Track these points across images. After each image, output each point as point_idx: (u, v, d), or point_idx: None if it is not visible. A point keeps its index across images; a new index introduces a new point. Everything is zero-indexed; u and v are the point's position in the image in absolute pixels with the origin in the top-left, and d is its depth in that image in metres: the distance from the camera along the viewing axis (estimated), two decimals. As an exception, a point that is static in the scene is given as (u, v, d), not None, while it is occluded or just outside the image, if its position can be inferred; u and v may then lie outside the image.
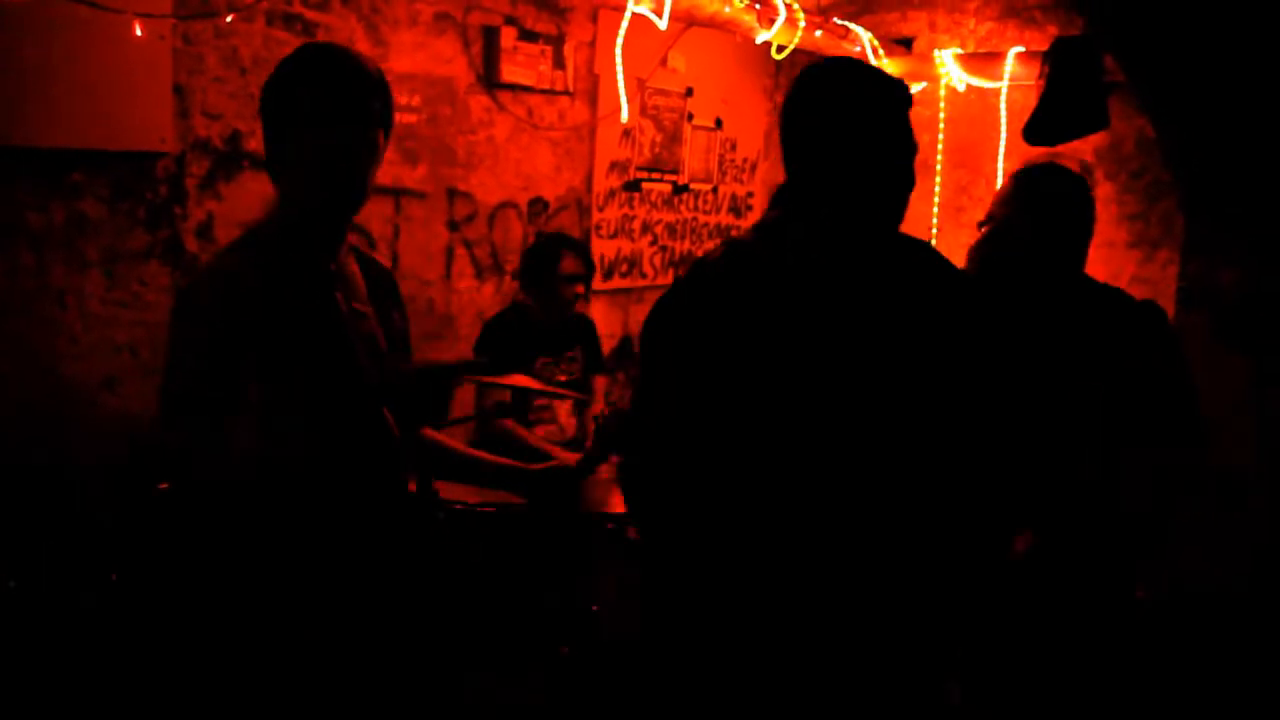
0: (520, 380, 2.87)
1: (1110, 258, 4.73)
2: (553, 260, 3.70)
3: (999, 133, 4.89)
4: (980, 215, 2.47)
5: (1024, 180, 2.36)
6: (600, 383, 4.02)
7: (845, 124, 1.71)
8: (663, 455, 1.69)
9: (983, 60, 4.87)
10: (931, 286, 1.69)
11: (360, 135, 1.72)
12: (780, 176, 1.79)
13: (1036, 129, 3.99)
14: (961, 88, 4.97)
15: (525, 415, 3.62)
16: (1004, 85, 4.75)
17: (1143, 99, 3.01)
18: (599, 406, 3.99)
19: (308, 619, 1.75)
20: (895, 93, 1.76)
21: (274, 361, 1.68)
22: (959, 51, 4.95)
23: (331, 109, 1.69)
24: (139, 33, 3.01)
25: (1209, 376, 3.10)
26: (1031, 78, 4.30)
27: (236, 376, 1.66)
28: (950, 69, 4.90)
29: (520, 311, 3.74)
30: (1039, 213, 2.29)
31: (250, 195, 3.56)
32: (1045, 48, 4.15)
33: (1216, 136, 2.69)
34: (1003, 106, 4.85)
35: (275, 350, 1.68)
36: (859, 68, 1.81)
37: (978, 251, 2.39)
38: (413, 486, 2.59)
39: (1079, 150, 4.75)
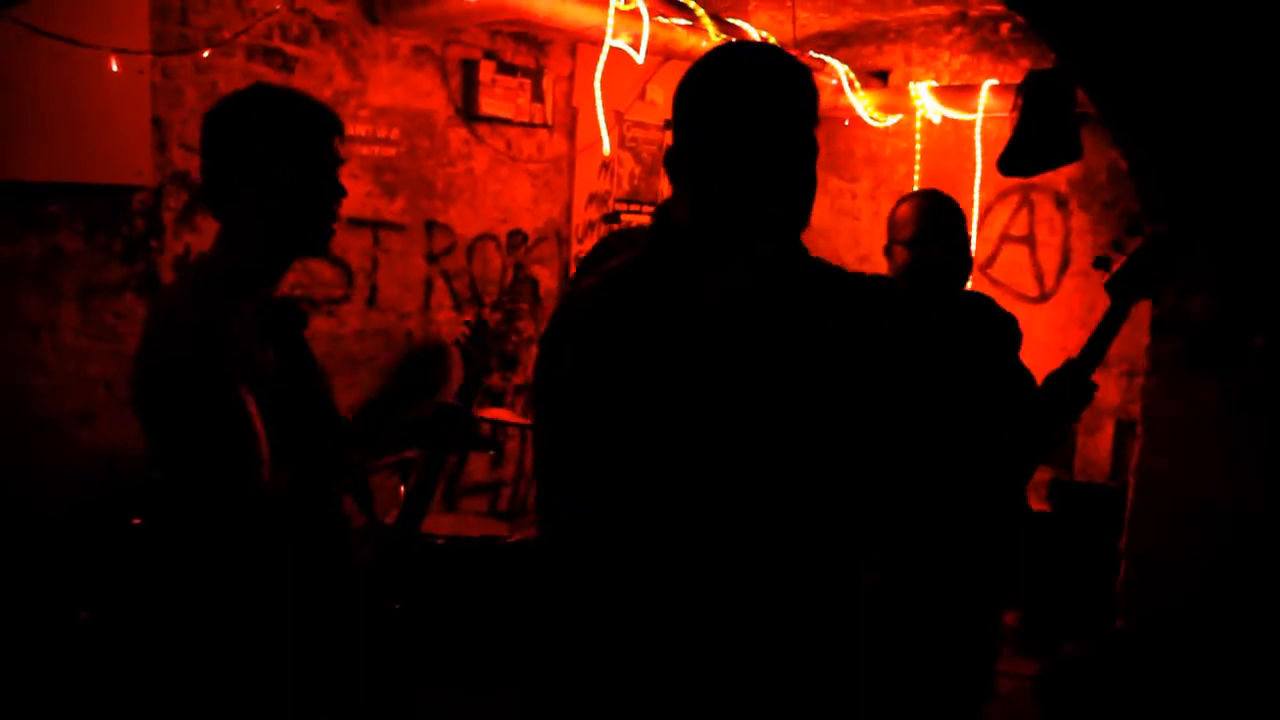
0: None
1: (1085, 286, 4.77)
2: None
3: (974, 163, 4.94)
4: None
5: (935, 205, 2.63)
6: None
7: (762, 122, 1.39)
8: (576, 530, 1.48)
9: (957, 93, 4.93)
10: (852, 315, 1.51)
11: (322, 187, 1.76)
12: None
13: (1010, 160, 4.03)
14: (937, 119, 5.03)
15: None
16: (978, 117, 4.81)
17: (1112, 132, 3.05)
18: None
19: (281, 656, 1.73)
20: (810, 83, 1.44)
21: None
22: (934, 84, 5.01)
23: (312, 156, 1.72)
24: (115, 68, 3.02)
25: (1181, 403, 3.13)
26: (1005, 109, 4.35)
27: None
28: (926, 101, 4.96)
29: None
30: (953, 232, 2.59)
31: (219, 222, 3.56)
32: (1018, 80, 4.21)
33: (1183, 168, 2.73)
34: (977, 138, 4.90)
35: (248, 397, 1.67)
36: (774, 52, 1.46)
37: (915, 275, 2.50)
38: (392, 518, 2.57)
39: (1053, 181, 4.81)
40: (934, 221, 2.59)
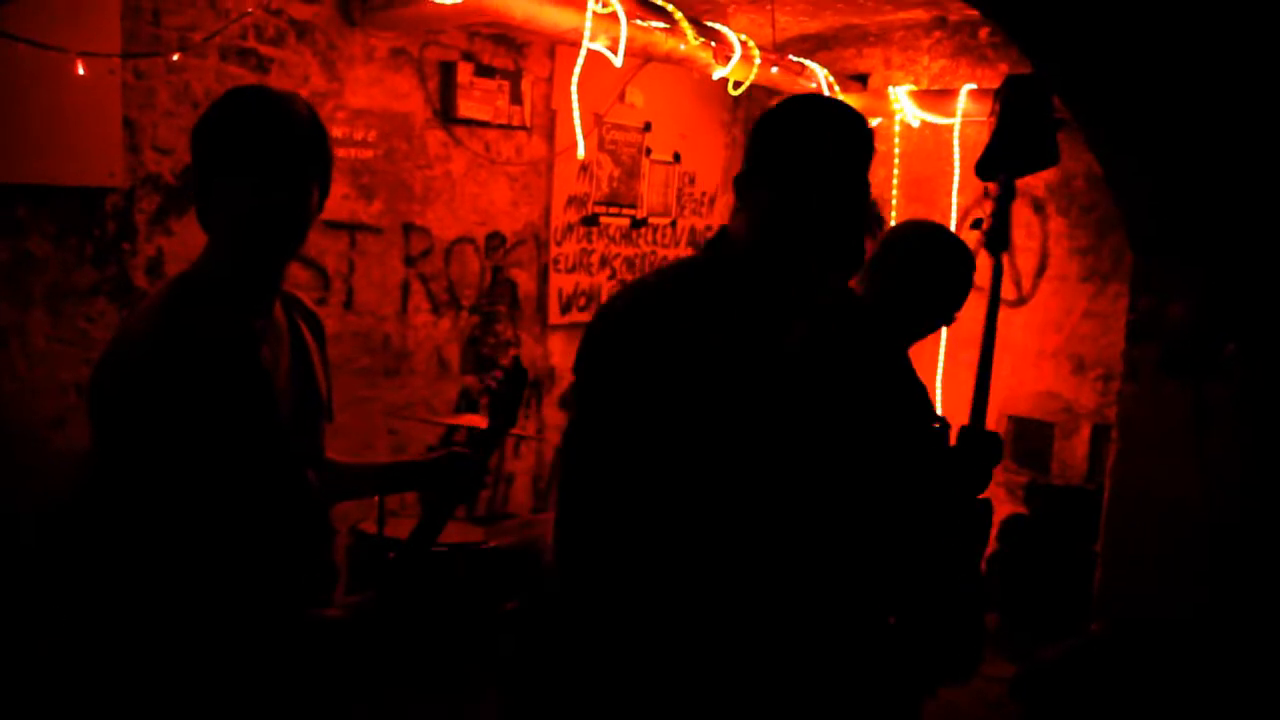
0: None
1: (1062, 290, 4.79)
2: None
3: (952, 167, 4.96)
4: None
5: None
6: None
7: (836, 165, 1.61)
8: (599, 517, 1.60)
9: (936, 97, 4.94)
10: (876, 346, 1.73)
11: (288, 191, 1.61)
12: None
13: (988, 165, 4.04)
14: (916, 123, 5.04)
15: None
16: (957, 121, 4.82)
17: (1088, 137, 3.07)
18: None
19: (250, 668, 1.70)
20: (869, 134, 1.68)
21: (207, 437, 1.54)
22: (913, 88, 5.02)
23: (256, 165, 1.57)
24: (81, 71, 2.97)
25: (1156, 409, 3.14)
26: (984, 114, 4.36)
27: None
28: (905, 105, 4.97)
29: None
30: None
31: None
32: (997, 85, 4.21)
33: (1160, 174, 2.74)
34: (955, 142, 4.92)
35: (208, 424, 1.54)
36: (843, 107, 1.70)
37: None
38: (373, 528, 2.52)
39: (1031, 186, 4.83)
40: (964, 290, 2.39)
